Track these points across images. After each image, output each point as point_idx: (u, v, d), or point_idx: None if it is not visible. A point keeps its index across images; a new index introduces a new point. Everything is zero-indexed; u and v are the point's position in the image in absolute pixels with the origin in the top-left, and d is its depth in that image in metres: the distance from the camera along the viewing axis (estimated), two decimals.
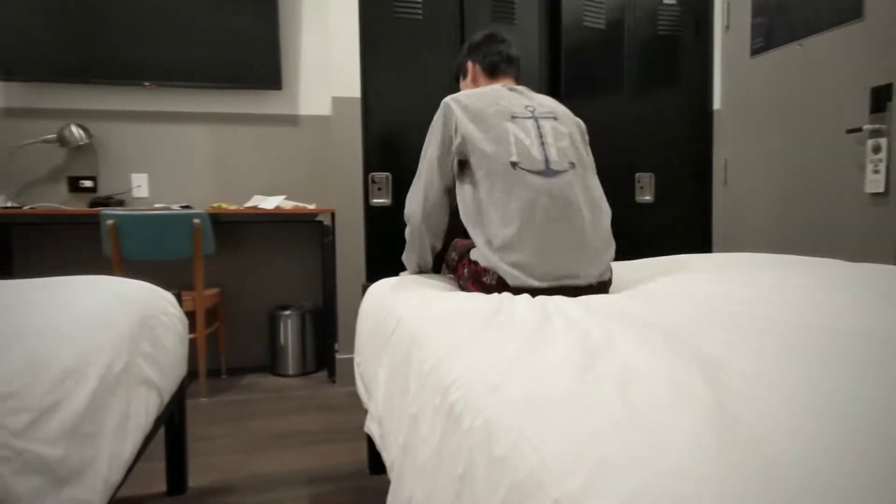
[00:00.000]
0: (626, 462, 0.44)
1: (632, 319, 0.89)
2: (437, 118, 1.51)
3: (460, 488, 0.58)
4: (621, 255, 1.89)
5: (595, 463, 0.45)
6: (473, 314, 0.99)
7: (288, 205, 2.86)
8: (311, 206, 2.89)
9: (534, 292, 1.29)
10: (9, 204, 2.68)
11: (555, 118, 1.50)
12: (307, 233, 3.16)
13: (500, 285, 1.33)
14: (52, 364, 0.84)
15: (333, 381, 2.80)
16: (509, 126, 1.44)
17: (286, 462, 1.90)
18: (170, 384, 1.40)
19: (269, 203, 2.85)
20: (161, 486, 1.70)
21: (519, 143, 1.42)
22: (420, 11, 2.73)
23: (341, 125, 2.71)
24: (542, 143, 1.43)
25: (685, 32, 3.11)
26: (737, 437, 0.46)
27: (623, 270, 1.63)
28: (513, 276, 1.31)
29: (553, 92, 2.97)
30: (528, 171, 1.38)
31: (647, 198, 3.09)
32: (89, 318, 1.06)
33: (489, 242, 1.36)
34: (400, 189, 2.74)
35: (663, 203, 3.11)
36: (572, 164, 1.43)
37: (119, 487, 1.02)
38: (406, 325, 1.07)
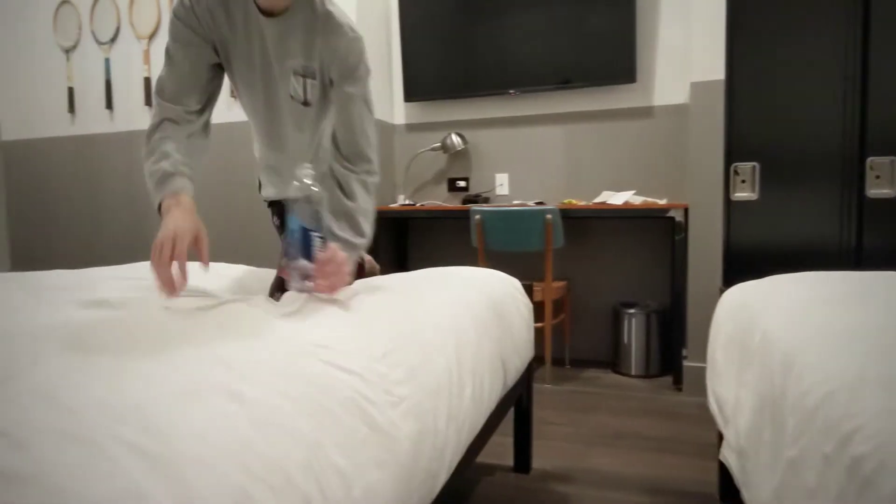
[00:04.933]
0: None
1: None
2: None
3: None
4: None
5: None
6: (880, 333, 0.75)
7: (637, 200, 2.78)
8: (662, 202, 2.74)
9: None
10: (406, 202, 3.29)
11: None
12: (657, 229, 3.01)
13: None
14: (417, 336, 1.00)
15: (679, 389, 2.61)
16: None
17: (625, 463, 1.85)
18: (516, 365, 1.50)
19: (617, 198, 2.81)
20: (509, 460, 1.84)
21: None
22: None
23: (700, 112, 2.48)
24: None
25: None
26: None
27: None
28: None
29: None
30: None
31: None
32: (452, 301, 1.21)
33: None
34: (767, 182, 2.36)
35: None
36: None
37: (474, 454, 1.13)
38: (776, 341, 0.89)
